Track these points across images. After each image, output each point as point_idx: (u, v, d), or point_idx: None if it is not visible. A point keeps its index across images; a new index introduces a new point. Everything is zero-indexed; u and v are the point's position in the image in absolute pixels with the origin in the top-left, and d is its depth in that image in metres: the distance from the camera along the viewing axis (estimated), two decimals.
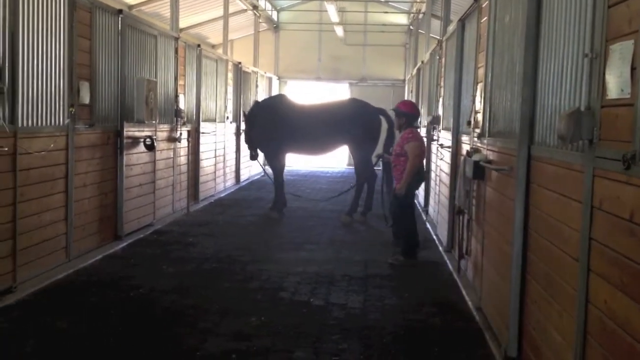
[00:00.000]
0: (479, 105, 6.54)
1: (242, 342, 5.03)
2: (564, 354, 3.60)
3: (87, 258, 7.57)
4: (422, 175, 8.13)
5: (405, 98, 20.06)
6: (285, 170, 12.02)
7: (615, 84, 2.97)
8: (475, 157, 6.09)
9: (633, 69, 2.78)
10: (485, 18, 6.33)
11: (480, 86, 6.52)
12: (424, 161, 8.42)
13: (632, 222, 2.76)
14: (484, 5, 6.56)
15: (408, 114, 8.17)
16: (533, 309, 4.32)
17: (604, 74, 3.11)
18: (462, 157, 7.06)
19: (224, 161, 14.68)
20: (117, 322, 5.44)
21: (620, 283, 2.85)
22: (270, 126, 11.39)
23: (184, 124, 11.31)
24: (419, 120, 8.04)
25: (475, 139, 6.60)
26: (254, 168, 18.26)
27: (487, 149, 5.93)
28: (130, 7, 16.27)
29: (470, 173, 6.13)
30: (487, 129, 6.02)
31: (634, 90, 2.76)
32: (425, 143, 8.14)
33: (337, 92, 23.00)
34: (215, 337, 5.15)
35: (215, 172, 13.93)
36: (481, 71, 6.47)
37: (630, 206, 2.78)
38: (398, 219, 8.12)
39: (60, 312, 5.67)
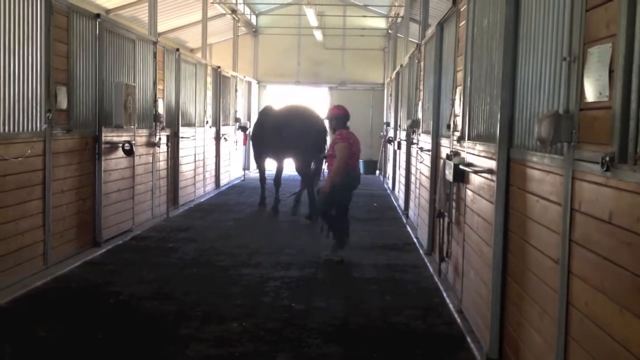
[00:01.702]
0: (458, 108, 6.58)
1: (224, 348, 5.00)
2: (545, 355, 3.62)
3: (66, 265, 7.47)
4: (354, 177, 8.34)
5: (385, 101, 20.16)
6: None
7: (594, 87, 2.99)
8: (455, 161, 6.12)
9: (611, 72, 2.81)
10: (464, 22, 6.37)
11: (459, 90, 6.56)
12: (359, 163, 8.82)
13: (611, 223, 2.78)
14: (462, 9, 6.60)
15: (335, 116, 8.70)
16: (514, 311, 4.34)
17: (582, 77, 3.13)
18: (441, 161, 7.09)
19: (203, 166, 14.59)
20: (97, 329, 5.37)
21: (601, 285, 2.87)
22: (259, 137, 12.71)
23: (163, 128, 11.22)
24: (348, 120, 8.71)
25: (455, 142, 6.64)
26: (233, 172, 18.19)
27: (467, 152, 5.97)
28: (108, 11, 16.11)
29: (450, 176, 6.16)
30: (466, 132, 6.06)
31: (612, 93, 2.78)
32: (359, 143, 8.46)
33: (316, 96, 23.03)
34: (197, 343, 5.10)
35: (194, 176, 13.85)
36: (460, 75, 6.51)
37: (609, 208, 2.81)
38: (325, 215, 8.48)
39: (38, 319, 5.58)
